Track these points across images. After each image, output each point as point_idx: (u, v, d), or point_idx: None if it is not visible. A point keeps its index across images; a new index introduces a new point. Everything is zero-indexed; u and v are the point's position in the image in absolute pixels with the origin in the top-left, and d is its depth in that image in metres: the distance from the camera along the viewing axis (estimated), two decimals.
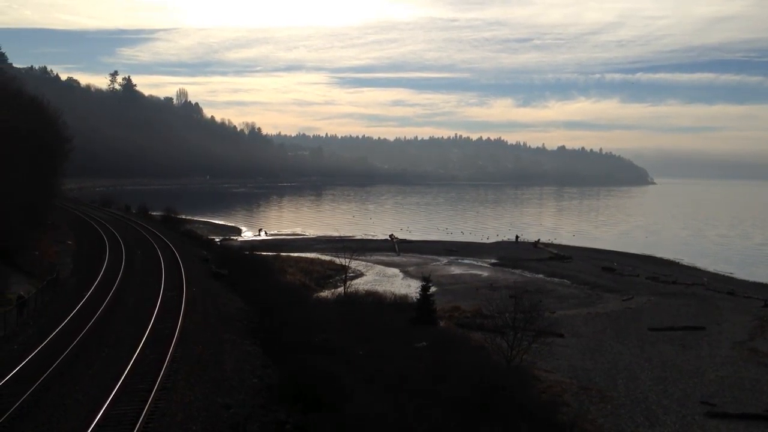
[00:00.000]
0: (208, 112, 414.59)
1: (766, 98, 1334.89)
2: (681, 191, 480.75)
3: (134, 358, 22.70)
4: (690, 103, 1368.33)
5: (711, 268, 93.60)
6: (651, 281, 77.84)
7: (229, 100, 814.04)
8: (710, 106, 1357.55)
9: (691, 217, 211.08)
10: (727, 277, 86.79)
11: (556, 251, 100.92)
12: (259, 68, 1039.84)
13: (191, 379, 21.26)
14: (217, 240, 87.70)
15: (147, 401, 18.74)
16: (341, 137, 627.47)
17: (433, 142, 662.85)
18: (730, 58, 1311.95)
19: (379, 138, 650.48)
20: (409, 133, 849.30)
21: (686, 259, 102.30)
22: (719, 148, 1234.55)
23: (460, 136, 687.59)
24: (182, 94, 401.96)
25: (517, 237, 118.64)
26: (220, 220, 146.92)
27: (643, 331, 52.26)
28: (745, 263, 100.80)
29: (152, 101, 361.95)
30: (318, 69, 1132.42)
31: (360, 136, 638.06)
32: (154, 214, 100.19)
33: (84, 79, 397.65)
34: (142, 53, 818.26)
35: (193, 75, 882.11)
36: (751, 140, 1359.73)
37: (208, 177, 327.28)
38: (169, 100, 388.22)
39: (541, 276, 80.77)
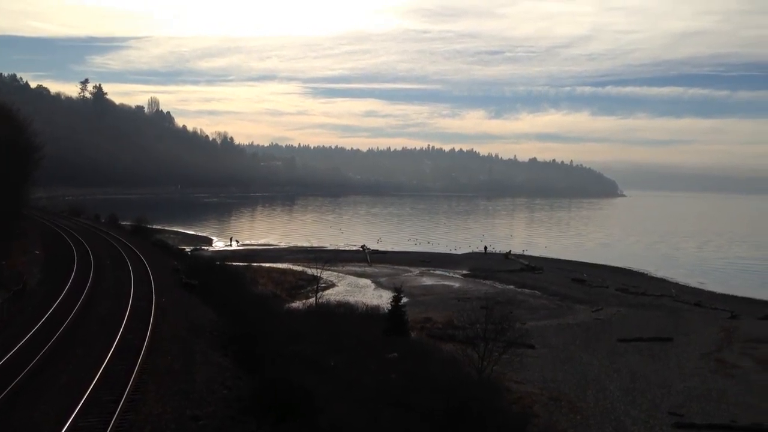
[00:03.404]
0: (179, 121, 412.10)
1: (733, 112, 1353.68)
2: (650, 203, 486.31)
3: (102, 369, 22.44)
4: (659, 116, 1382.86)
5: (679, 280, 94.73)
6: (620, 292, 78.58)
7: (201, 109, 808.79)
8: (678, 120, 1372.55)
9: (659, 229, 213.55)
10: (695, 288, 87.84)
11: (527, 262, 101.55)
12: (231, 77, 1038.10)
13: (160, 391, 21.07)
14: (188, 250, 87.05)
15: (114, 413, 18.57)
16: (314, 147, 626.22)
17: (406, 153, 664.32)
18: (698, 73, 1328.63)
19: (351, 148, 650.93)
20: (381, 143, 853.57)
21: (655, 271, 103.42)
22: (687, 161, 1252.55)
23: (433, 147, 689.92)
24: (153, 102, 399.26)
25: (485, 248, 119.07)
26: (192, 230, 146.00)
27: (613, 342, 52.72)
28: (711, 275, 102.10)
29: (123, 110, 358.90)
30: (291, 79, 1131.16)
31: (333, 147, 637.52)
32: (124, 223, 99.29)
33: (54, 87, 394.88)
34: (113, 61, 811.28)
35: (164, 84, 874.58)
36: (718, 153, 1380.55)
37: (179, 186, 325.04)
38: (140, 108, 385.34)
39: (512, 287, 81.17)
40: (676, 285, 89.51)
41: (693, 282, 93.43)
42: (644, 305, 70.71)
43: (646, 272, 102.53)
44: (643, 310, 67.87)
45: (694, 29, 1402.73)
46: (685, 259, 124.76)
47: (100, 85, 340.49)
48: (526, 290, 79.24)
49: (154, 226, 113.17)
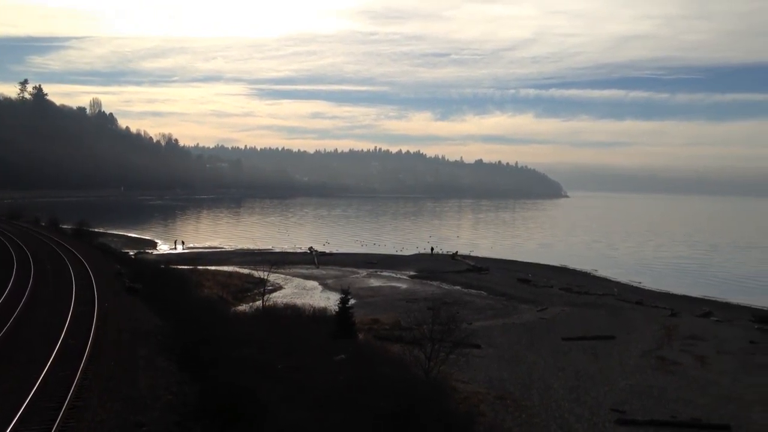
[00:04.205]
0: (123, 123, 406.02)
1: (673, 115, 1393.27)
2: (593, 204, 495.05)
3: (43, 376, 21.99)
4: (601, 118, 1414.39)
5: (621, 279, 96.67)
6: (564, 292, 79.74)
7: (145, 111, 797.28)
8: (620, 122, 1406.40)
9: (602, 229, 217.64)
10: (636, 287, 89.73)
11: (473, 263, 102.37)
12: (175, 78, 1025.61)
13: (103, 397, 20.74)
14: (132, 253, 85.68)
15: (56, 421, 18.22)
16: (260, 149, 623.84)
17: (353, 154, 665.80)
18: (639, 76, 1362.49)
19: (298, 150, 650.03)
20: (328, 145, 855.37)
21: (597, 270, 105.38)
22: (629, 162, 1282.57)
23: (380, 149, 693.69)
24: (96, 103, 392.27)
25: (432, 249, 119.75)
26: (135, 233, 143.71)
27: (557, 340, 53.47)
28: (652, 274, 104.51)
29: (64, 111, 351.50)
30: (236, 80, 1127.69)
31: (279, 149, 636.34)
32: (66, 227, 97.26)
33: None
34: (53, 61, 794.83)
35: (106, 84, 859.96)
36: (659, 155, 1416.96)
37: (122, 189, 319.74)
38: (82, 109, 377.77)
39: (458, 288, 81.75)
40: (619, 284, 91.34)
41: (634, 281, 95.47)
42: (588, 304, 71.90)
43: (589, 271, 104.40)
44: (586, 309, 69.00)
45: (635, 33, 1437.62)
46: (626, 259, 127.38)
47: (40, 85, 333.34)
48: (473, 291, 79.90)
49: (97, 230, 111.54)
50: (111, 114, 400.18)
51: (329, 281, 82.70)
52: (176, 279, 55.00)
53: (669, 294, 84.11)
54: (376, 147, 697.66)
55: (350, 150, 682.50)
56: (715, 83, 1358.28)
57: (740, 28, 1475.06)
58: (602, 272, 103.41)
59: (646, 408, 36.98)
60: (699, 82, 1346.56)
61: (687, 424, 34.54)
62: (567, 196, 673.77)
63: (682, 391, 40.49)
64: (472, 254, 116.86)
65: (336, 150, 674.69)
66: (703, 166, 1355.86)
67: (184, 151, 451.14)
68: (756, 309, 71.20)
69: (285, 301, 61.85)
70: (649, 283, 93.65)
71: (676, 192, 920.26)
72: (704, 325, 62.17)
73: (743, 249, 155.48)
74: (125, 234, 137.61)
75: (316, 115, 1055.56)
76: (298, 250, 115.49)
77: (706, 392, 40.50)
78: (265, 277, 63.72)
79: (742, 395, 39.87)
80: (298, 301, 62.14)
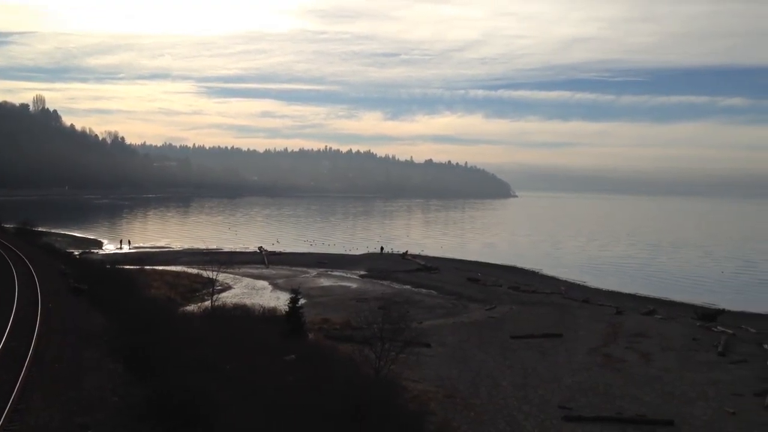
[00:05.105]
0: (67, 120, 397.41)
1: (618, 116, 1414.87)
2: (541, 204, 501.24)
3: None
4: (548, 119, 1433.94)
5: (568, 277, 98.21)
6: (513, 291, 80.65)
7: (90, 108, 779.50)
8: (567, 123, 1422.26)
9: (549, 228, 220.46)
10: (583, 285, 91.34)
11: (423, 262, 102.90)
12: (122, 75, 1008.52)
13: (47, 400, 20.30)
14: (77, 253, 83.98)
15: None
16: (209, 148, 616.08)
17: (303, 154, 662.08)
18: (586, 78, 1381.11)
19: (248, 149, 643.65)
20: (278, 144, 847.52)
21: (545, 269, 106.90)
22: (576, 163, 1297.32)
23: (330, 148, 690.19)
24: (39, 100, 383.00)
25: (382, 248, 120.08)
26: (80, 232, 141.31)
27: (505, 339, 54.06)
28: (597, 272, 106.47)
29: (6, 108, 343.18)
30: (185, 78, 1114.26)
31: (229, 147, 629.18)
32: (8, 226, 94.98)
33: None
34: None
35: (50, 81, 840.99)
36: (605, 156, 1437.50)
37: (67, 188, 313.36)
38: (25, 106, 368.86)
39: (408, 287, 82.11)
40: (566, 282, 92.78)
41: (580, 279, 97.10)
42: (535, 303, 72.86)
43: (537, 270, 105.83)
44: (534, 307, 69.90)
45: (581, 36, 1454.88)
46: (572, 258, 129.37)
47: None
48: (423, 290, 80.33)
49: (40, 229, 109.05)
50: (55, 111, 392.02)
51: (279, 281, 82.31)
52: (123, 279, 54.13)
53: (614, 292, 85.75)
54: (326, 146, 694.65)
55: (300, 149, 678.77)
56: (659, 85, 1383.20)
57: (684, 31, 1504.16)
58: (549, 271, 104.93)
59: (593, 404, 37.63)
60: (644, 84, 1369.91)
61: (632, 420, 35.27)
62: (516, 196, 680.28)
63: (628, 388, 41.30)
64: (422, 253, 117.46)
65: (286, 149, 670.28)
66: (648, 166, 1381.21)
67: (131, 150, 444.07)
68: (698, 306, 73.01)
69: (234, 301, 61.40)
70: (595, 281, 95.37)
71: (621, 192, 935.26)
72: (649, 322, 63.45)
73: (686, 248, 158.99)
74: (70, 233, 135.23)
75: (265, 114, 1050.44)
76: (248, 250, 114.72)
77: (650, 389, 41.37)
78: (214, 277, 63.11)
79: (685, 391, 40.84)
80: (248, 301, 61.73)
